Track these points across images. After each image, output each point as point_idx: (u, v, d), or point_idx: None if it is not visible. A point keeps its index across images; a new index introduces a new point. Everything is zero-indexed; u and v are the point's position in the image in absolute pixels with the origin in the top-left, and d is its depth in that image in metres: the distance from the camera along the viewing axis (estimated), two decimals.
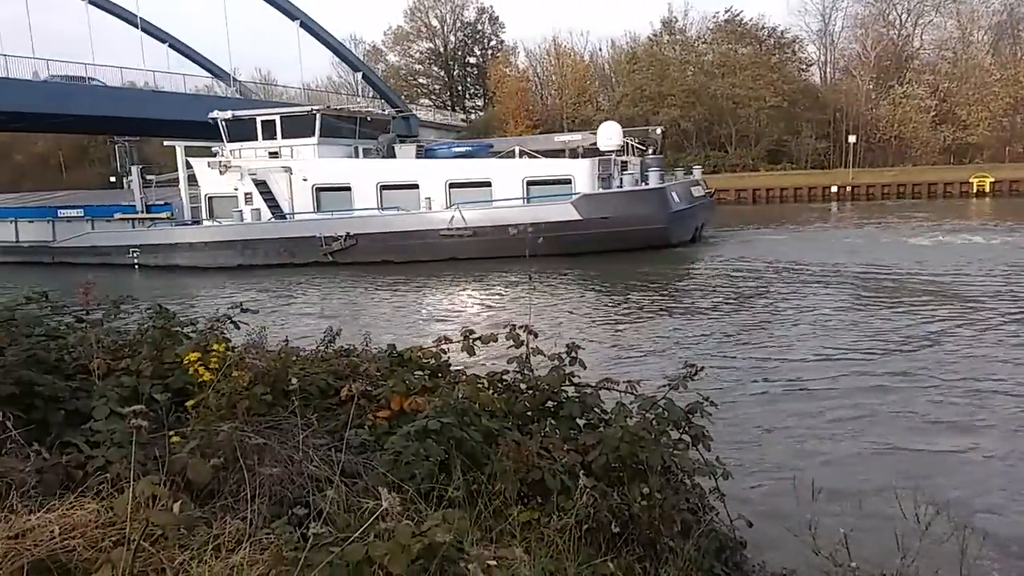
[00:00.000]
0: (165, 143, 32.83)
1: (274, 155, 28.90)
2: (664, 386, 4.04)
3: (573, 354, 4.35)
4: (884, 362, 11.09)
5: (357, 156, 29.65)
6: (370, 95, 65.13)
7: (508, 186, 26.78)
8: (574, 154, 28.12)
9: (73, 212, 31.35)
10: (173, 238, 28.93)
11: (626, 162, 29.06)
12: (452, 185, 27.18)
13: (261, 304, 16.09)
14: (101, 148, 64.85)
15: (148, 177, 31.38)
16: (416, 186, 27.42)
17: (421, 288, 21.39)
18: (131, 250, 29.02)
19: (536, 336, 4.43)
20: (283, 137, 28.90)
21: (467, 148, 30.61)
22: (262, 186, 28.57)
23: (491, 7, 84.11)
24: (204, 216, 29.88)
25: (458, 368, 4.66)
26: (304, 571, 2.09)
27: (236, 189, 28.92)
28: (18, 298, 4.47)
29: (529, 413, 4.15)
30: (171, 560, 2.13)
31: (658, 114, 63.24)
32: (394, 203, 27.56)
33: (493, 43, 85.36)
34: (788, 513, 4.32)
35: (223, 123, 29.49)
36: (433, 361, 4.64)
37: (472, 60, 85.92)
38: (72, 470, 2.80)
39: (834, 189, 53.27)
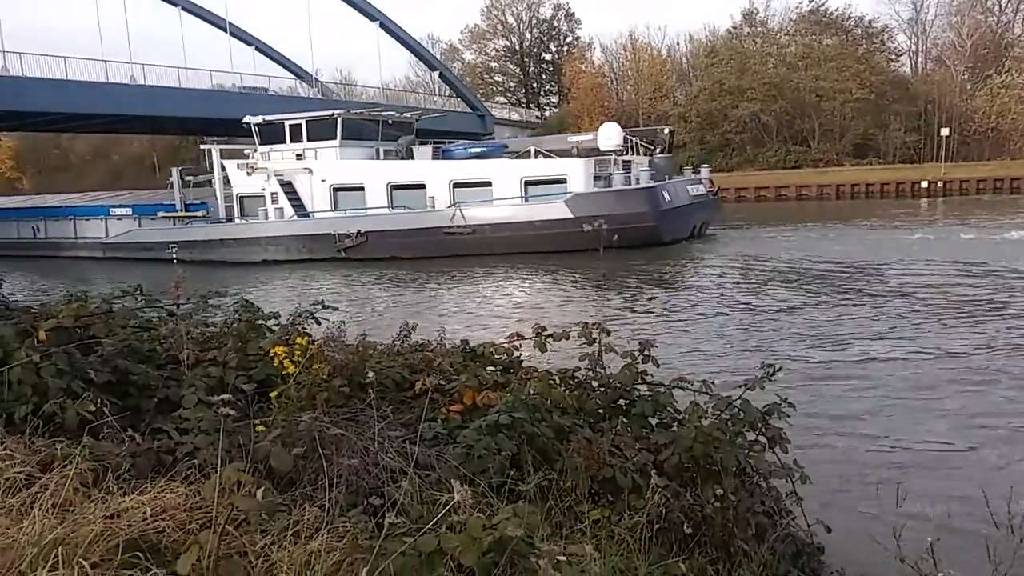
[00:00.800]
0: (202, 146, 34.98)
1: (300, 157, 30.55)
2: (739, 386, 3.95)
3: (646, 352, 4.30)
4: (965, 363, 10.56)
5: (378, 157, 31.07)
6: (446, 94, 65.86)
7: (507, 186, 27.92)
8: (584, 153, 28.92)
9: (123, 211, 33.90)
10: (206, 235, 31.01)
11: (629, 162, 29.66)
12: (456, 185, 28.44)
13: (339, 299, 16.73)
14: (192, 148, 67.73)
15: (187, 178, 33.46)
16: (423, 186, 28.78)
17: (451, 284, 22.00)
18: (170, 246, 31.07)
19: (609, 334, 4.40)
20: (308, 140, 30.60)
21: (481, 149, 31.92)
22: (287, 186, 30.30)
23: (567, 3, 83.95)
24: (236, 215, 31.84)
25: (530, 364, 4.68)
26: (379, 560, 2.14)
27: (263, 189, 30.73)
28: (115, 291, 4.71)
29: (601, 411, 4.13)
30: (253, 544, 2.22)
31: (737, 108, 61.82)
32: (403, 202, 29.03)
33: (569, 39, 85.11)
34: (870, 519, 4.17)
35: (255, 127, 31.35)
36: (505, 357, 4.68)
37: (547, 57, 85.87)
38: (163, 455, 2.95)
39: (924, 184, 50.90)
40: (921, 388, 9.59)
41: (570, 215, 25.99)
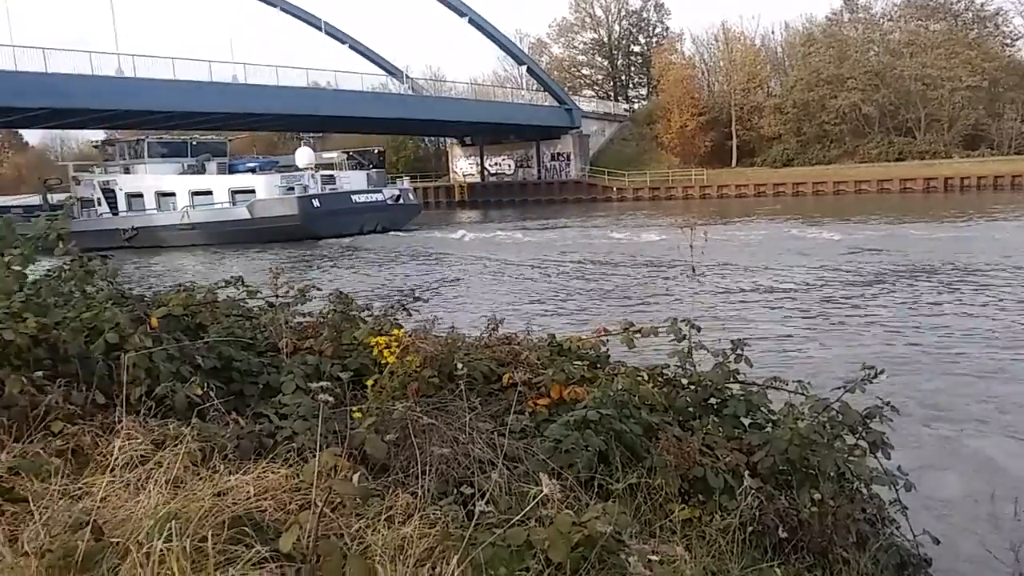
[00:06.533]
0: (58, 163, 49.41)
1: (127, 171, 42.14)
2: (838, 388, 3.80)
3: (739, 351, 4.18)
4: None
5: (185, 171, 41.86)
6: (533, 87, 65.89)
7: (221, 194, 39.44)
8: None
9: (17, 209, 43.83)
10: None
11: (331, 176, 41.29)
12: (194, 193, 39.69)
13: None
14: (289, 144, 70.34)
15: (50, 182, 46.24)
16: (174, 193, 40.29)
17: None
18: None
19: (699, 330, 4.30)
20: (129, 157, 42.54)
21: (255, 164, 43.27)
22: (108, 192, 41.87)
23: None
24: (78, 215, 42.53)
25: (618, 360, 4.62)
26: (469, 549, 2.17)
27: (92, 194, 42.08)
28: (219, 282, 4.94)
29: (690, 409, 4.05)
30: (348, 527, 2.29)
31: (836, 98, 59.39)
32: (163, 206, 40.43)
33: (658, 31, 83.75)
34: (984, 532, 3.93)
35: (98, 146, 44.90)
36: (592, 352, 4.64)
37: (636, 49, 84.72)
38: (264, 438, 3.07)
39: None
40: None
41: (249, 216, 37.49)
